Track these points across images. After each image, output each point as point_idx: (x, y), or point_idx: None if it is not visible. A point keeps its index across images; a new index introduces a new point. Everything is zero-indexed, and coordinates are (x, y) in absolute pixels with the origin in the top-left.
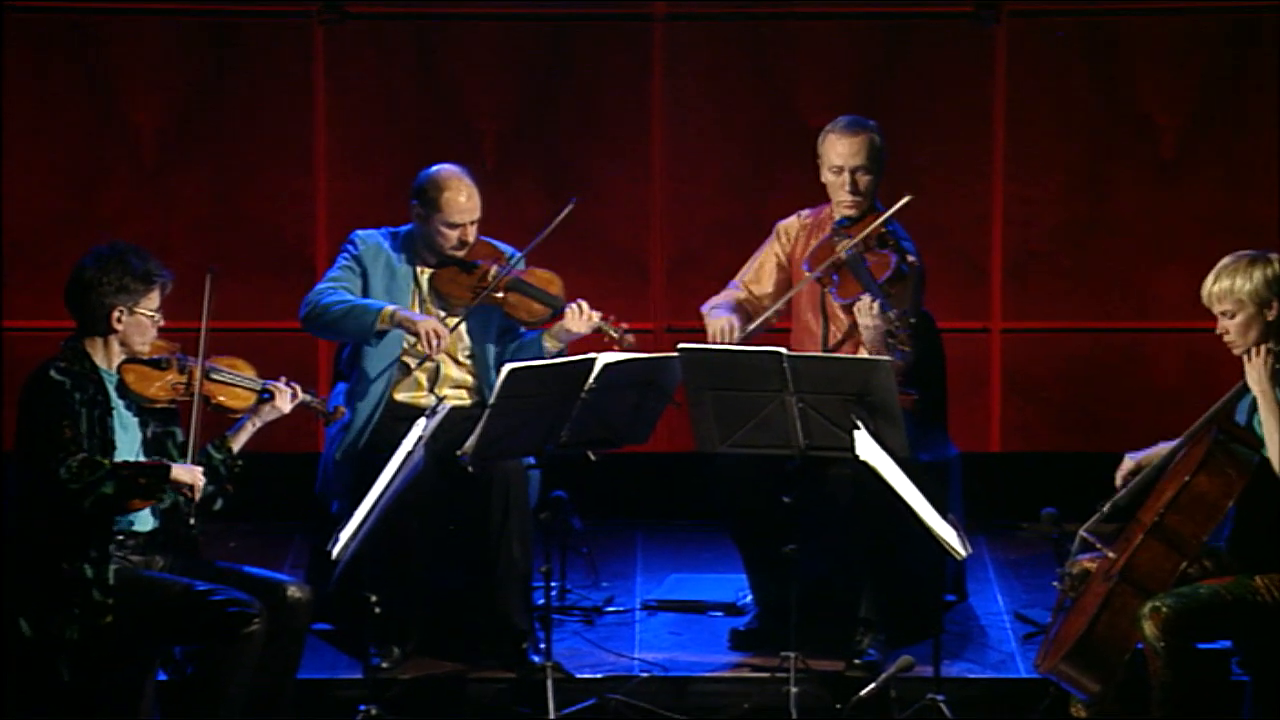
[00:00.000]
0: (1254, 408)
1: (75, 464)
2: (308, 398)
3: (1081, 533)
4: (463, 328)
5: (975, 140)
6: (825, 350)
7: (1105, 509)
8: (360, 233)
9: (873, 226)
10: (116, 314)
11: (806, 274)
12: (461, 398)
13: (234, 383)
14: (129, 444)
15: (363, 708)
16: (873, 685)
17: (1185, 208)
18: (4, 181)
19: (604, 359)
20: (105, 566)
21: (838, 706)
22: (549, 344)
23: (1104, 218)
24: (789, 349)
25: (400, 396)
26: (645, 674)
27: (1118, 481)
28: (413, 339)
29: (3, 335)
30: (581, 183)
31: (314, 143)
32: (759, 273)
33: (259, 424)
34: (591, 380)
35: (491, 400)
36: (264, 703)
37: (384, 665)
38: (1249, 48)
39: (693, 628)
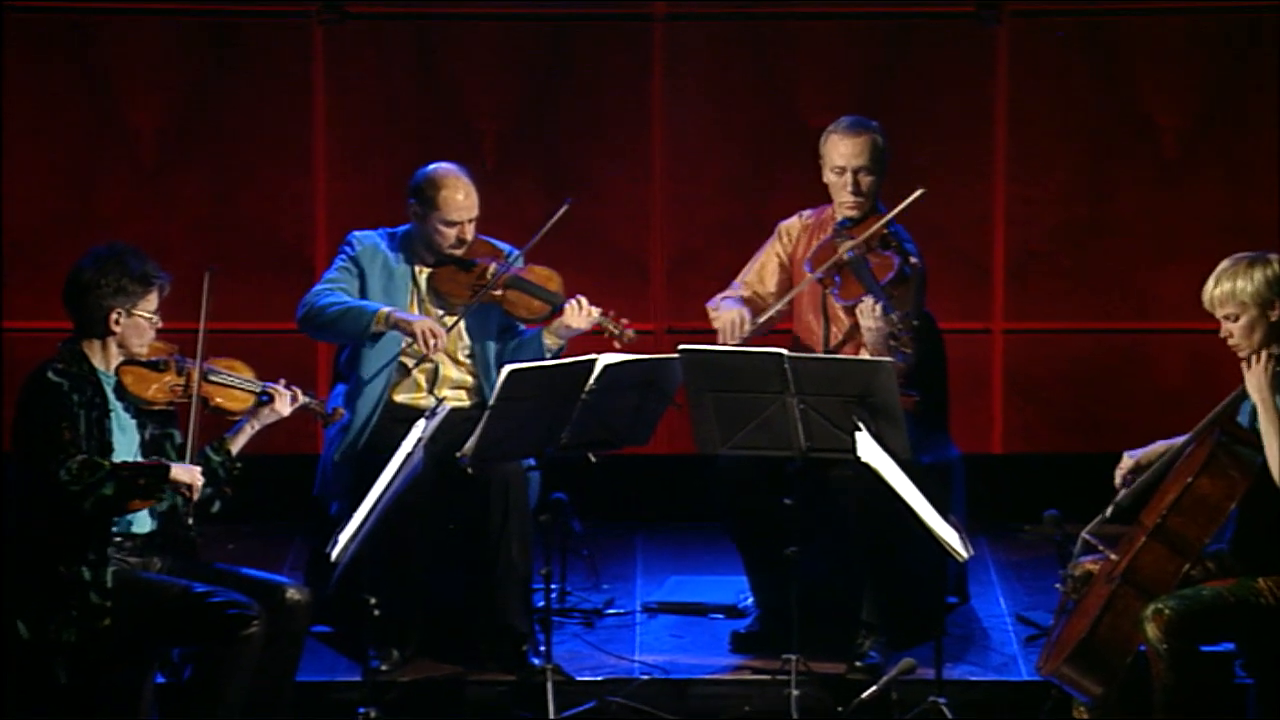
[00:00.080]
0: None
1: (75, 466)
2: (307, 400)
3: (1084, 535)
4: (462, 326)
5: (977, 140)
6: (826, 351)
7: (1108, 512)
8: (357, 233)
9: (881, 224)
10: (114, 316)
11: (808, 274)
12: (461, 399)
13: (232, 385)
14: (127, 446)
15: (362, 710)
16: (874, 688)
17: (1187, 208)
18: (3, 182)
19: (604, 360)
20: (103, 569)
21: (839, 709)
22: (549, 341)
23: (1105, 218)
24: (790, 350)
25: (399, 398)
26: (646, 676)
27: (1117, 480)
28: (410, 340)
29: (2, 336)
30: (581, 183)
31: (313, 143)
32: (761, 273)
33: (257, 426)
34: (592, 382)
35: (491, 401)
36: (262, 705)
37: (383, 668)
38: (1251, 48)
39: (693, 630)
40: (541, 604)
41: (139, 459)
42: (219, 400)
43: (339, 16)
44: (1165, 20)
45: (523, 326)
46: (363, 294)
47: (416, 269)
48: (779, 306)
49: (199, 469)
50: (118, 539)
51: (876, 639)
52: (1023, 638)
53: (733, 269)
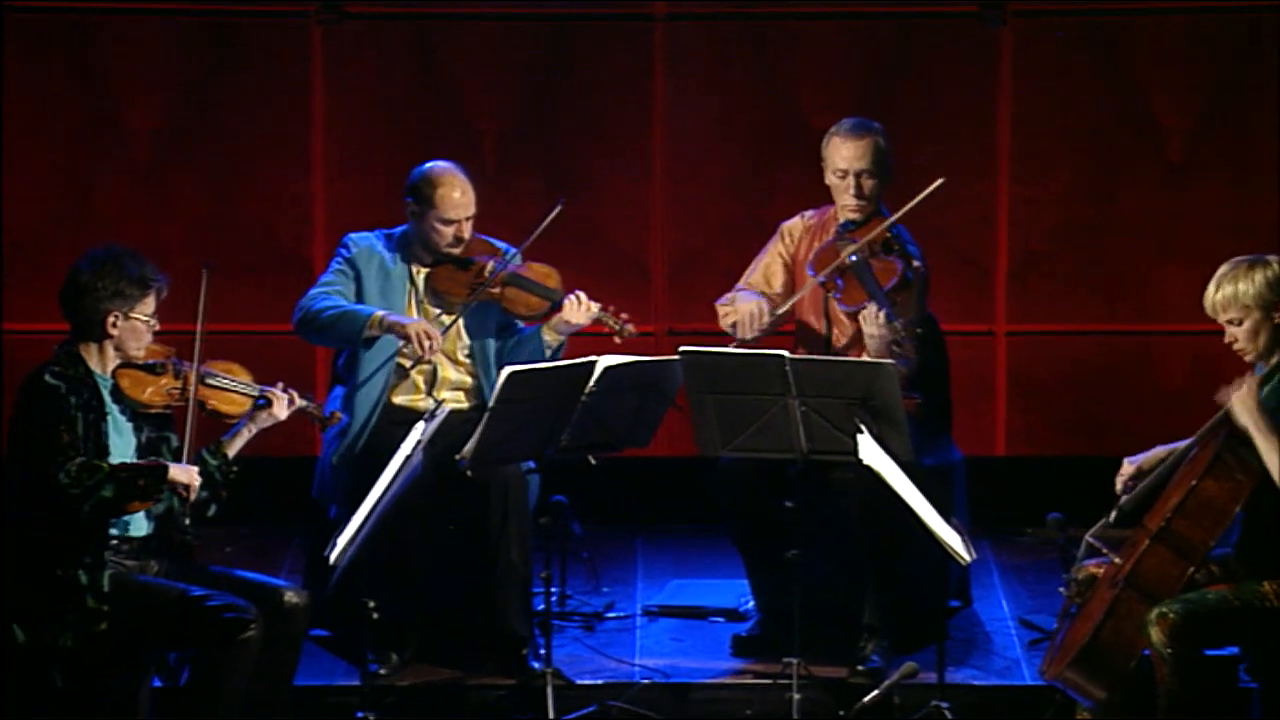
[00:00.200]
0: (1270, 397)
1: (74, 468)
2: (304, 403)
3: (1087, 538)
4: (461, 325)
5: (979, 141)
6: (829, 353)
7: (1112, 516)
8: (353, 235)
9: (903, 213)
10: (112, 319)
11: (811, 277)
12: (460, 400)
13: (230, 388)
14: (123, 449)
15: (360, 715)
16: (876, 692)
17: (1191, 209)
18: (2, 182)
19: (604, 362)
20: (100, 573)
21: (841, 713)
22: (549, 337)
23: (1109, 219)
24: (791, 352)
25: (398, 400)
26: (646, 680)
27: (1118, 487)
28: (405, 342)
29: (2, 338)
30: (582, 184)
31: (312, 144)
32: (766, 273)
33: (254, 430)
34: (592, 384)
35: (491, 403)
36: (260, 709)
37: (382, 672)
38: (1256, 49)
39: (694, 633)
40: (541, 607)
41: (136, 462)
42: (216, 404)
43: (338, 16)
44: (1169, 21)
45: (522, 324)
46: (359, 296)
47: (414, 269)
48: (785, 308)
49: (196, 469)
50: (114, 542)
51: (878, 643)
52: (1026, 642)
53: (733, 270)
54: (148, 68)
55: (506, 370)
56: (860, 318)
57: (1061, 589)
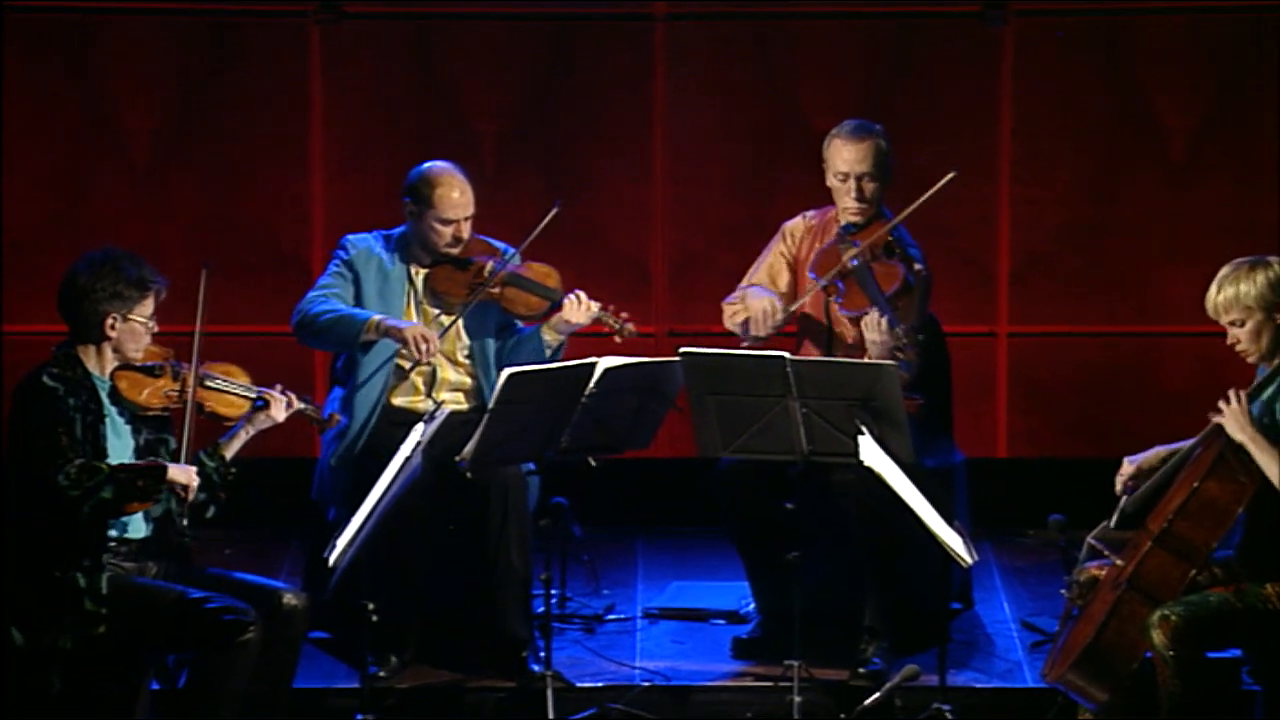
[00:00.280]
0: (1264, 411)
1: (74, 470)
2: (302, 406)
3: (1089, 540)
4: (460, 326)
5: (981, 141)
6: (833, 350)
7: (1114, 517)
8: (351, 237)
9: (891, 224)
10: (110, 321)
11: (813, 281)
12: (459, 401)
13: (228, 390)
14: (121, 451)
15: (360, 717)
16: (877, 695)
17: (1194, 210)
18: (2, 183)
19: (604, 363)
20: (98, 575)
21: (842, 716)
22: (549, 337)
23: (1111, 220)
24: (794, 352)
25: (397, 401)
26: (646, 683)
27: (1119, 488)
28: (402, 346)
29: (1, 339)
30: (582, 184)
31: (310, 144)
32: (770, 272)
33: (252, 432)
34: (592, 385)
35: (491, 404)
36: (259, 712)
37: (381, 674)
38: (1258, 49)
39: (695, 636)
40: (541, 610)
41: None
42: (214, 406)
43: (336, 16)
44: (1171, 21)
45: (521, 324)
46: (358, 297)
47: (412, 269)
48: (793, 309)
49: (195, 469)
50: (112, 544)
51: (880, 645)
52: (1027, 644)
53: (734, 270)
54: (147, 68)
55: (506, 371)
56: (862, 324)
57: (1063, 591)
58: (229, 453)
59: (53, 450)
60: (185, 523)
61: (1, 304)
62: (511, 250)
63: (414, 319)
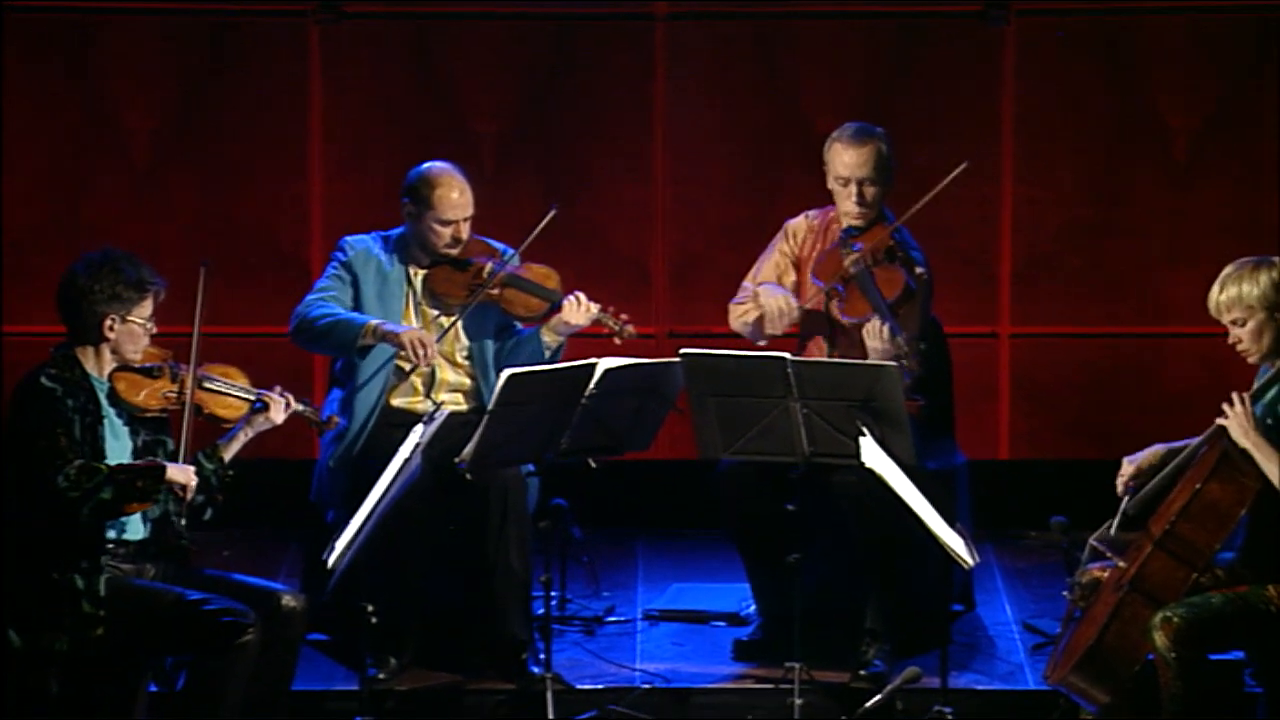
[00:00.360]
0: (1267, 413)
1: (73, 471)
2: (301, 408)
3: (1091, 541)
4: (459, 327)
5: (983, 141)
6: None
7: (1116, 519)
8: (349, 238)
9: (926, 199)
10: (109, 322)
11: (815, 286)
12: (458, 402)
13: (226, 392)
14: (119, 452)
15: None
16: (879, 697)
17: (1197, 210)
18: (2, 183)
19: (605, 364)
20: (96, 577)
21: (843, 718)
22: (548, 339)
23: (1114, 220)
24: (795, 353)
25: (396, 402)
26: (647, 685)
27: (1119, 489)
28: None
29: (1, 340)
30: (582, 185)
31: (310, 145)
32: (777, 271)
33: (251, 434)
34: (592, 386)
35: (490, 406)
36: (258, 714)
37: (380, 676)
38: (1261, 50)
39: (695, 638)
40: (541, 611)
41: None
42: (212, 408)
43: (335, 16)
44: (1173, 21)
45: (520, 325)
46: (356, 299)
47: (411, 270)
48: (808, 306)
49: (193, 468)
50: (110, 546)
51: (881, 647)
52: (1029, 646)
53: (735, 271)
54: (146, 68)
55: (506, 372)
56: (864, 331)
57: (1065, 593)
58: (227, 454)
59: (52, 451)
60: (183, 524)
61: (1, 304)
62: (511, 251)
63: (413, 320)
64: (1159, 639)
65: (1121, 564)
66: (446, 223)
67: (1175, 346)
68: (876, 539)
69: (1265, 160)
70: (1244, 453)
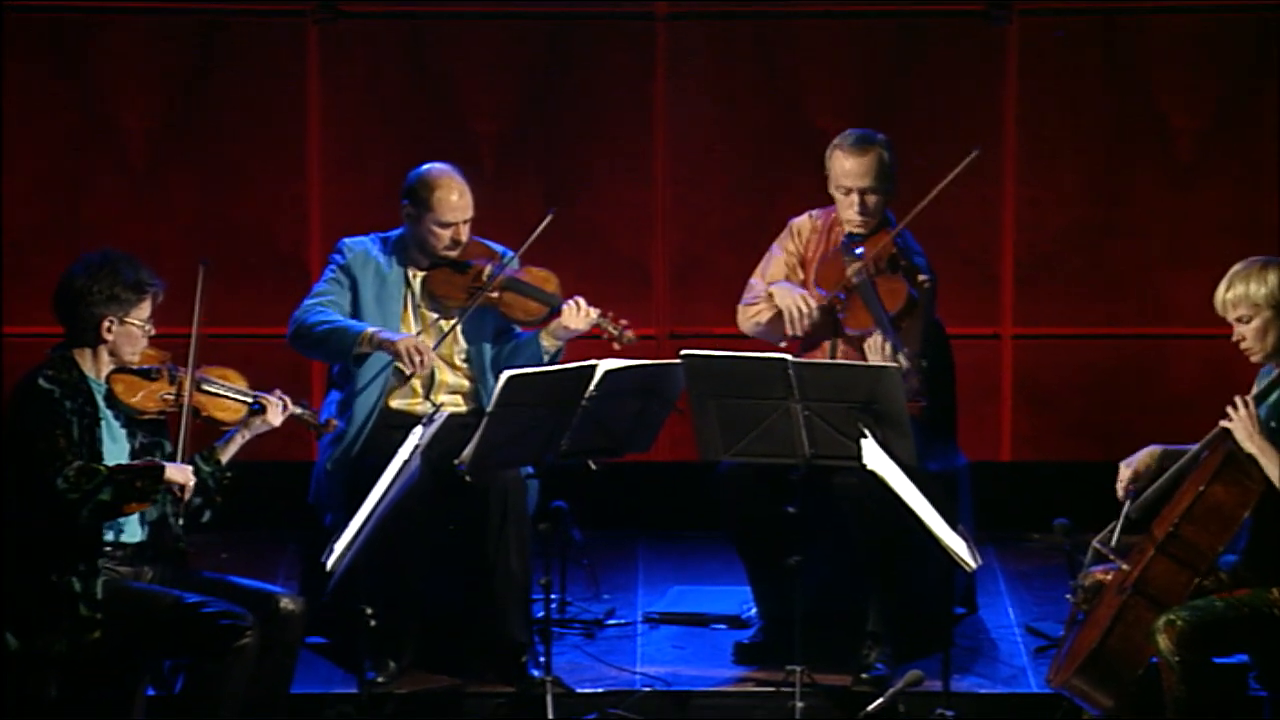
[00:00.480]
0: (1272, 414)
1: (72, 473)
2: (299, 410)
3: (1094, 544)
4: (458, 330)
5: (985, 142)
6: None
7: (1119, 521)
8: (347, 240)
9: (936, 191)
10: (107, 324)
11: (818, 295)
12: (457, 403)
13: (224, 394)
14: (117, 454)
15: None
16: (881, 700)
17: (1200, 211)
18: (1, 184)
19: (605, 366)
20: (94, 580)
21: None
22: (547, 343)
23: (1117, 221)
24: (795, 354)
25: (395, 404)
26: (647, 688)
27: (1120, 493)
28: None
29: (1, 341)
30: (582, 186)
31: (308, 145)
32: (786, 268)
33: (248, 436)
34: (592, 388)
35: (490, 407)
36: (257, 718)
37: (379, 679)
38: (1264, 50)
39: (696, 641)
40: (541, 614)
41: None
42: (210, 410)
43: (333, 16)
44: (1176, 21)
45: (519, 329)
46: (355, 302)
47: (410, 273)
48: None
49: (192, 468)
50: (108, 549)
51: (882, 650)
52: (1032, 649)
53: (735, 273)
54: (145, 68)
55: (506, 374)
56: (865, 346)
57: (1068, 596)
58: (225, 457)
59: (51, 452)
60: (181, 526)
61: (0, 305)
62: (510, 254)
63: (412, 322)
64: (1162, 642)
65: (1124, 567)
66: (446, 225)
67: (1177, 347)
68: (878, 541)
69: (1266, 160)
70: (1248, 456)
